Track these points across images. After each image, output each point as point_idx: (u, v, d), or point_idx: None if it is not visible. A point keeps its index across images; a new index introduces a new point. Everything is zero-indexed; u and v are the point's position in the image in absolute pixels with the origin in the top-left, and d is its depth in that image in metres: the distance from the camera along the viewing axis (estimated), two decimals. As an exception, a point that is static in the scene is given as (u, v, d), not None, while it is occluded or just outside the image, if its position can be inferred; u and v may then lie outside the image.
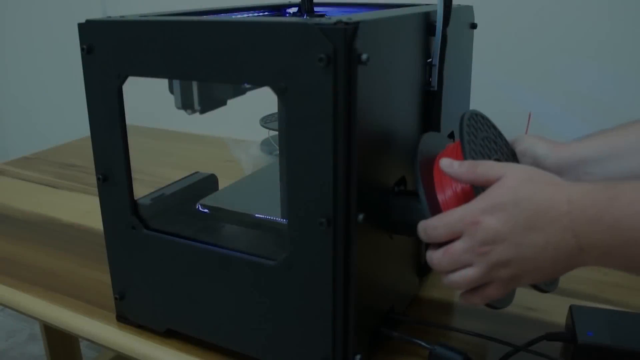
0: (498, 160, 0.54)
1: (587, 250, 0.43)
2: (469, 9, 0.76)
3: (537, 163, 0.57)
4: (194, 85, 0.61)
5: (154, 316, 0.64)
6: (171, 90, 0.62)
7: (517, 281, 0.47)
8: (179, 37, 0.51)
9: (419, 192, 0.51)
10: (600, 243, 0.42)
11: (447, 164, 0.49)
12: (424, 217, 0.52)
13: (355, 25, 0.45)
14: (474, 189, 0.49)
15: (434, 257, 0.49)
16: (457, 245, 0.47)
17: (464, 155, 0.50)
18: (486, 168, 0.47)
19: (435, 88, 0.61)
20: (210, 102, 0.63)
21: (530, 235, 0.44)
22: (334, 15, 0.58)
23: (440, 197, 0.52)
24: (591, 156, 0.55)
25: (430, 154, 0.55)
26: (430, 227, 0.49)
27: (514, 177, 0.45)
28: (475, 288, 0.48)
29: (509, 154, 0.58)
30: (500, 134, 0.58)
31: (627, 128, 0.56)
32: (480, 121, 0.55)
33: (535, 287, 0.52)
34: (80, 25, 0.56)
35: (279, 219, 0.62)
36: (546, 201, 0.44)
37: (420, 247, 0.67)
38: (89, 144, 0.60)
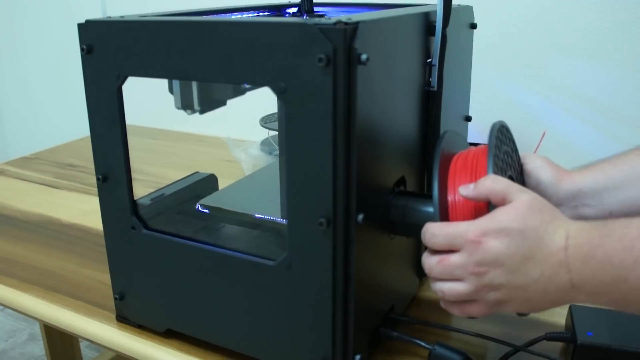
0: (511, 177, 0.54)
1: (579, 286, 0.43)
2: (469, 9, 0.76)
3: (539, 187, 0.57)
4: (194, 86, 0.61)
5: (153, 316, 0.64)
6: (171, 90, 0.62)
7: (502, 306, 0.47)
8: (179, 37, 0.51)
9: (432, 189, 0.51)
10: (592, 280, 0.42)
11: (464, 189, 0.49)
12: (428, 217, 0.52)
13: (355, 25, 0.45)
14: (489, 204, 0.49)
15: (427, 262, 0.49)
16: (453, 259, 0.47)
17: (487, 169, 0.50)
18: (503, 187, 0.47)
19: (435, 88, 0.61)
20: (210, 102, 0.63)
21: (526, 265, 0.44)
22: (334, 16, 0.58)
23: (450, 198, 0.52)
24: (589, 188, 0.56)
25: (448, 152, 0.55)
26: (429, 233, 0.49)
27: (526, 204, 0.46)
28: (459, 302, 0.49)
29: (519, 170, 0.58)
30: (516, 149, 0.59)
31: (622, 158, 0.56)
32: (504, 133, 0.56)
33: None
34: (80, 26, 0.56)
35: (278, 219, 0.62)
36: (549, 235, 0.44)
37: (420, 247, 0.67)
38: (89, 144, 0.60)
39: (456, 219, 0.51)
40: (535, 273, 0.44)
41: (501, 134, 0.54)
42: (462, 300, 0.49)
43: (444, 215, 0.51)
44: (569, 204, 0.56)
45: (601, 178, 0.56)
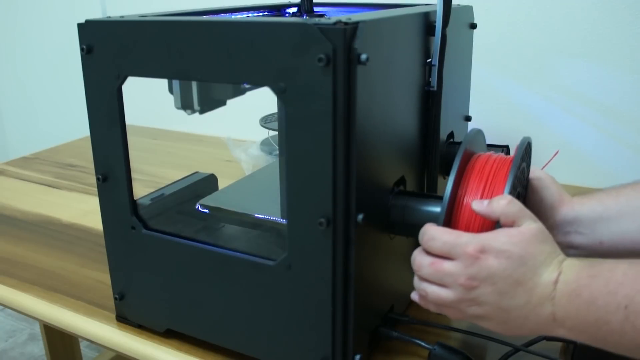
0: (519, 193, 0.55)
1: (561, 321, 0.44)
2: (468, 9, 0.76)
3: (539, 205, 0.58)
4: (194, 86, 0.61)
5: (153, 316, 0.64)
6: (171, 91, 0.62)
7: (479, 320, 0.48)
8: (178, 37, 0.51)
9: (446, 189, 0.51)
10: (575, 317, 0.43)
11: (478, 205, 0.50)
12: (429, 216, 0.52)
13: (355, 25, 0.45)
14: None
15: (419, 260, 0.50)
16: (447, 265, 0.47)
17: (505, 188, 0.50)
18: (516, 212, 0.48)
19: (435, 88, 0.61)
20: (209, 102, 0.63)
21: (516, 290, 0.45)
22: (334, 16, 0.58)
23: (459, 201, 0.52)
24: (585, 216, 0.57)
25: (470, 151, 0.55)
26: (428, 235, 0.49)
27: (532, 233, 0.46)
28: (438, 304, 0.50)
29: (525, 185, 0.59)
30: (529, 163, 0.59)
31: (620, 190, 0.57)
32: (527, 150, 0.56)
33: None
34: (80, 26, 0.56)
35: (278, 219, 0.62)
36: (544, 266, 0.45)
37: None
38: (89, 144, 0.60)
39: (460, 224, 0.51)
40: (522, 299, 0.45)
41: (524, 152, 0.54)
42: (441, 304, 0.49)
43: (449, 217, 0.51)
44: (562, 229, 0.57)
45: (598, 208, 0.57)
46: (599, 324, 0.42)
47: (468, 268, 0.46)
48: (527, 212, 0.48)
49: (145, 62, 0.54)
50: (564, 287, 0.44)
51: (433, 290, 0.49)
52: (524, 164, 0.56)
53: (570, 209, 0.57)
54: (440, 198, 0.56)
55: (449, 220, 0.52)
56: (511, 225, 0.47)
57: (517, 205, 0.48)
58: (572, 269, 0.45)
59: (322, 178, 0.47)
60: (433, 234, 0.49)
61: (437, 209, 0.55)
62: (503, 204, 0.48)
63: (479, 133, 0.58)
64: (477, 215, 0.50)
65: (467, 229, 0.51)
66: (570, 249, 0.58)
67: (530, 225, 0.47)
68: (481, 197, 0.51)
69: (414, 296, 0.52)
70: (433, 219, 0.52)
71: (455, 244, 0.47)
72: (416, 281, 0.51)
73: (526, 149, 0.55)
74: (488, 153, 0.56)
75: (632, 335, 0.41)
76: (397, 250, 0.61)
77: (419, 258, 0.50)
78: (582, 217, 0.57)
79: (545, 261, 0.45)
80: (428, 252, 0.49)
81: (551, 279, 0.45)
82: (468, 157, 0.55)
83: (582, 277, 0.44)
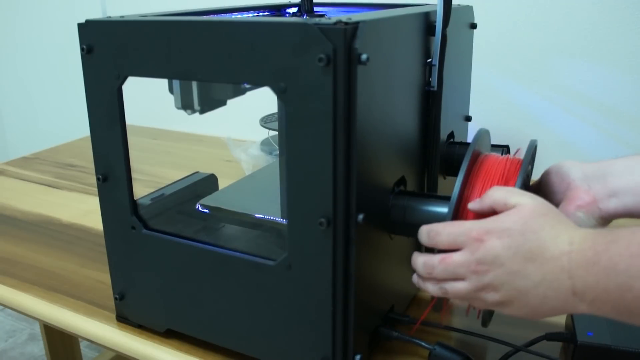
0: None
1: (581, 294, 0.42)
2: (469, 9, 0.76)
3: (561, 173, 0.56)
4: (194, 86, 0.61)
5: (154, 316, 0.64)
6: (171, 90, 0.62)
7: (501, 307, 0.47)
8: (179, 37, 0.51)
9: (454, 190, 0.51)
10: (595, 287, 0.41)
11: (473, 204, 0.50)
12: (430, 216, 0.52)
13: (355, 25, 0.45)
14: None
15: (427, 262, 0.49)
16: (456, 256, 0.47)
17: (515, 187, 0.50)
18: (502, 194, 0.47)
19: (435, 88, 0.61)
20: (209, 102, 0.63)
21: (527, 267, 0.44)
22: (334, 15, 0.58)
23: (465, 203, 0.52)
24: (617, 168, 0.54)
25: (478, 152, 0.55)
26: (434, 231, 0.49)
27: (529, 208, 0.46)
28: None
29: (527, 185, 0.59)
30: (532, 168, 0.59)
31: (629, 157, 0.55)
32: (533, 153, 0.56)
33: (485, 318, 0.55)
34: (80, 25, 0.56)
35: (279, 219, 0.62)
36: (551, 239, 0.44)
37: (420, 248, 0.67)
38: (89, 144, 0.60)
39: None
40: (536, 277, 0.44)
41: (532, 157, 0.54)
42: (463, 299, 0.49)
43: (455, 217, 0.52)
44: (598, 183, 0.54)
45: (631, 161, 0.53)
46: (622, 292, 0.40)
47: (475, 253, 0.46)
48: (519, 191, 0.48)
49: (145, 62, 0.54)
50: (580, 256, 0.42)
51: (451, 286, 0.48)
52: (530, 167, 0.56)
53: (588, 166, 0.55)
54: (441, 198, 0.56)
55: (457, 215, 0.52)
56: (506, 209, 0.47)
57: (502, 189, 0.48)
58: (587, 237, 0.43)
59: (323, 178, 0.47)
60: (437, 229, 0.49)
61: (438, 209, 0.55)
62: (490, 193, 0.48)
63: (486, 133, 0.59)
64: (482, 217, 0.50)
65: None
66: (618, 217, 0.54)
67: (526, 202, 0.46)
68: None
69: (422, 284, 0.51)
70: (434, 218, 0.52)
71: (460, 231, 0.47)
72: (431, 287, 0.50)
73: (533, 152, 0.55)
74: (495, 154, 0.56)
75: None
76: (397, 250, 0.61)
77: (426, 260, 0.49)
78: (600, 171, 0.54)
79: (551, 233, 0.44)
80: (430, 251, 0.49)
81: (562, 250, 0.43)
82: (475, 158, 0.55)
83: (599, 243, 0.41)
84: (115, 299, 0.66)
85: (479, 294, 0.47)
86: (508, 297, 0.46)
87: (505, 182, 0.52)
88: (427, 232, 0.50)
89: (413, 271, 0.52)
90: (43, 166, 1.24)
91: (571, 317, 0.60)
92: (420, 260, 0.50)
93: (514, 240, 0.45)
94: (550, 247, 0.43)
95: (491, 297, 0.46)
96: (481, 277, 0.46)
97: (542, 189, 0.58)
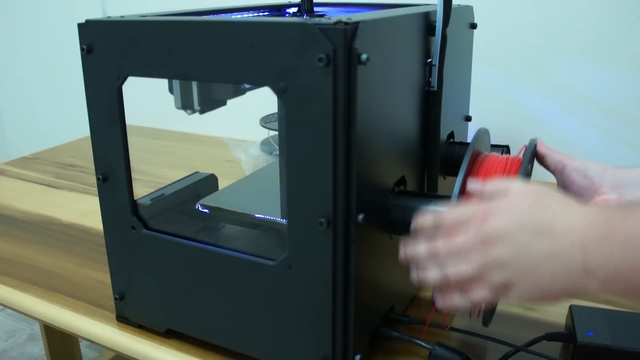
0: None
1: (593, 271, 0.39)
2: (469, 9, 0.76)
3: (589, 176, 0.56)
4: (194, 86, 0.61)
5: (154, 316, 0.64)
6: (171, 90, 0.62)
7: (507, 290, 0.44)
8: (179, 37, 0.51)
9: (454, 190, 0.51)
10: (609, 262, 0.38)
11: (475, 185, 0.49)
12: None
13: (355, 25, 0.45)
14: None
15: (430, 248, 0.47)
16: (460, 237, 0.45)
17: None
18: (502, 183, 0.47)
19: (435, 88, 0.61)
20: (209, 102, 0.63)
21: (535, 242, 0.41)
22: (334, 16, 0.58)
23: (467, 192, 0.52)
24: (634, 179, 0.55)
25: (478, 151, 0.55)
26: (438, 214, 0.48)
27: (535, 188, 0.44)
28: (462, 287, 0.46)
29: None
30: (532, 166, 0.60)
31: None
32: (533, 152, 0.56)
33: (485, 317, 0.54)
34: (80, 25, 0.56)
35: (279, 219, 0.62)
36: (561, 213, 0.42)
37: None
38: (89, 144, 0.60)
39: None
40: (545, 251, 0.41)
41: (532, 156, 0.54)
42: (465, 284, 0.46)
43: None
44: (615, 190, 0.55)
45: None
46: (636, 267, 0.37)
47: (480, 232, 0.44)
48: (522, 181, 0.47)
49: (145, 62, 0.54)
50: (593, 230, 0.39)
51: (454, 270, 0.45)
52: (530, 166, 0.56)
53: (618, 173, 0.56)
54: (441, 198, 0.56)
55: None
56: (508, 194, 0.46)
57: (504, 179, 0.47)
58: (601, 211, 0.40)
59: (323, 178, 0.47)
60: (442, 213, 0.47)
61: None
62: (493, 182, 0.47)
63: (486, 133, 0.59)
64: None
65: None
66: None
67: (532, 185, 0.45)
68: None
69: (439, 298, 0.48)
70: None
71: (465, 213, 0.46)
72: (433, 272, 0.47)
73: (533, 151, 0.55)
74: (495, 154, 0.56)
75: None
76: (397, 250, 0.61)
77: (429, 245, 0.47)
78: (632, 180, 0.55)
79: (561, 207, 0.42)
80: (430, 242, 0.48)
81: (574, 224, 0.40)
82: (475, 157, 0.55)
83: (614, 217, 0.39)
84: (115, 299, 0.66)
85: (484, 275, 0.44)
86: (515, 276, 0.43)
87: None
88: (432, 216, 0.48)
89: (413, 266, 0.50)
90: (43, 166, 1.24)
91: (571, 317, 0.60)
92: (421, 245, 0.48)
93: (520, 216, 0.43)
94: (560, 222, 0.41)
95: (497, 276, 0.43)
96: (487, 255, 0.43)
97: (563, 188, 0.58)
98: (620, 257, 0.38)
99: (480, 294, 0.45)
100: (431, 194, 0.65)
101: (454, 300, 0.47)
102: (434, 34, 0.60)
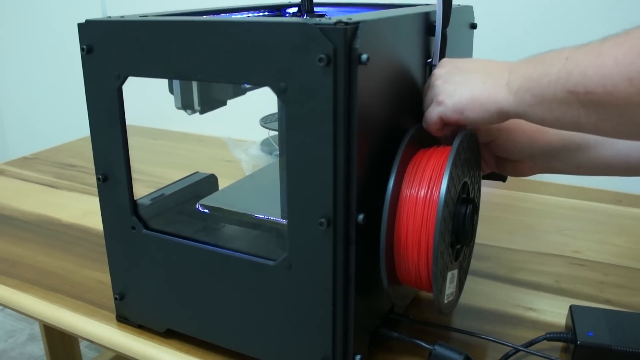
0: (466, 182, 0.57)
1: (512, 86, 0.49)
2: (469, 9, 0.76)
3: (514, 140, 0.64)
4: (194, 86, 0.61)
5: (154, 316, 0.64)
6: (171, 90, 0.62)
7: (446, 97, 0.53)
8: (179, 37, 0.51)
9: (388, 184, 0.52)
10: (522, 76, 0.48)
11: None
12: None
13: (355, 25, 0.45)
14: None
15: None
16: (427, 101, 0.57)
17: (442, 180, 0.51)
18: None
19: (435, 88, 0.61)
20: (210, 103, 0.63)
21: (474, 61, 0.56)
22: (334, 15, 0.58)
23: (402, 194, 0.53)
24: (562, 146, 0.62)
25: (414, 147, 0.56)
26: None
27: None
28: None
29: (479, 178, 0.62)
30: (479, 162, 0.62)
31: None
32: (471, 142, 0.57)
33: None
34: (80, 25, 0.56)
35: (279, 219, 0.62)
36: (492, 61, 0.54)
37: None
38: (89, 144, 0.60)
39: (402, 215, 0.52)
40: (480, 66, 0.53)
41: (466, 143, 0.55)
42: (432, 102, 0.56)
43: (393, 209, 0.52)
44: (543, 158, 0.63)
45: (576, 138, 0.61)
46: (540, 78, 0.47)
47: (432, 89, 0.56)
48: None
49: (145, 62, 0.54)
50: (518, 62, 0.51)
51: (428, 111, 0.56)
52: (469, 157, 0.57)
53: (545, 141, 0.62)
54: None
55: (394, 212, 0.53)
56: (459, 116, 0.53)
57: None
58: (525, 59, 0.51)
59: (323, 178, 0.47)
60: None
61: None
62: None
63: (419, 130, 0.59)
64: (417, 208, 0.52)
65: (408, 220, 0.52)
66: (549, 173, 0.65)
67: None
68: (421, 190, 0.52)
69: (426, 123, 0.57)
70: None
71: (428, 98, 0.57)
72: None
73: (467, 142, 0.55)
74: (432, 149, 0.56)
75: (564, 82, 0.45)
76: (397, 250, 0.61)
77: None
78: (560, 147, 0.62)
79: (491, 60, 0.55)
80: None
81: (504, 65, 0.52)
82: (409, 153, 0.55)
83: (537, 54, 0.49)
84: (115, 299, 0.66)
85: (433, 90, 0.55)
86: (455, 83, 0.53)
87: (437, 177, 0.52)
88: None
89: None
90: (43, 166, 1.24)
91: (571, 317, 0.60)
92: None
93: (459, 61, 0.56)
94: (493, 62, 0.54)
95: (441, 86, 0.54)
96: (435, 82, 0.55)
97: (490, 139, 0.64)
98: (531, 72, 0.48)
99: (434, 109, 0.55)
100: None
101: (432, 114, 0.56)
102: (434, 34, 0.60)
